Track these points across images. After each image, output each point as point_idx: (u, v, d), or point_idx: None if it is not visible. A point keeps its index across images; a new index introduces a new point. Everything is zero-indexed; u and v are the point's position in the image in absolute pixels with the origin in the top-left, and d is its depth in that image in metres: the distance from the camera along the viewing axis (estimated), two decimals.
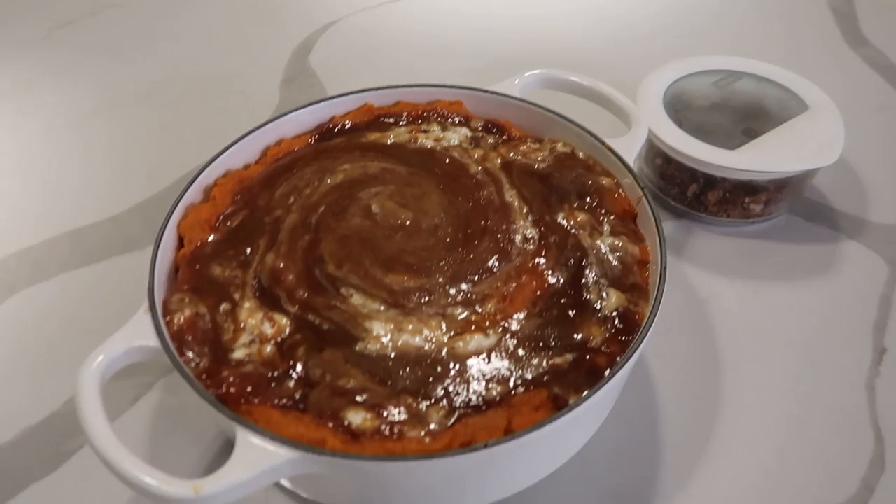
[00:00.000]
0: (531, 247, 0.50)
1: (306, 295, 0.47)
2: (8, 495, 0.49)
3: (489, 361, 0.44)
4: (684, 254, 0.63)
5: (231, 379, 0.43)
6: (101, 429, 0.38)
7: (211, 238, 0.51)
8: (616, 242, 0.50)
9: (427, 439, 0.40)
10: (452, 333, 0.45)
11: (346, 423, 0.41)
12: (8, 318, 0.60)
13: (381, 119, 0.61)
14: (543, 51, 0.86)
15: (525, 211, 0.53)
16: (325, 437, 0.40)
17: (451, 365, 0.44)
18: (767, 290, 0.61)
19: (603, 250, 0.50)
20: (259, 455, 0.38)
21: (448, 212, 0.53)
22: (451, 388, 0.43)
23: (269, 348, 0.45)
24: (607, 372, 0.43)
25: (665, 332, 0.55)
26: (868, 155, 0.71)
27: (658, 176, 0.66)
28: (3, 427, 0.52)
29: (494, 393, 0.42)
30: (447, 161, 0.57)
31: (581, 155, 0.57)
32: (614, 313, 0.46)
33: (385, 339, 0.45)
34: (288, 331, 0.46)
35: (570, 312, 0.46)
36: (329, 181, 0.55)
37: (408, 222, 0.52)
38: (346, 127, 0.60)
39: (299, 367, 0.44)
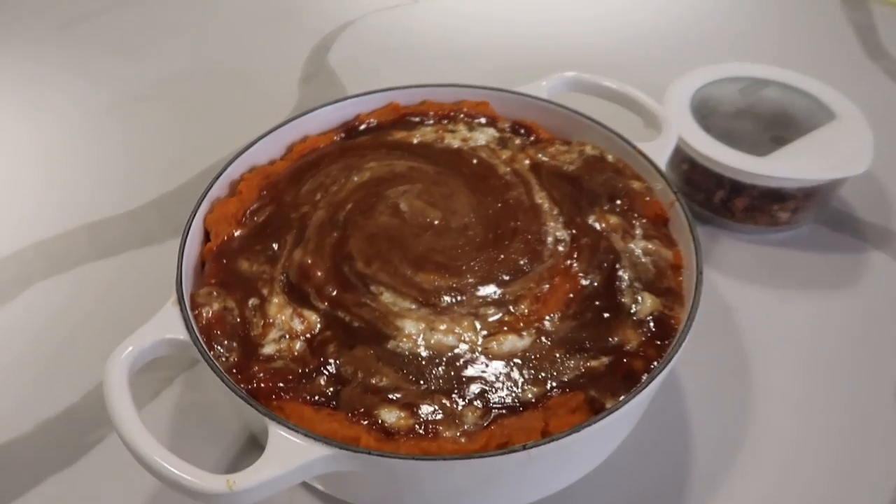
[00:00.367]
0: (563, 248, 0.50)
1: (335, 292, 0.47)
2: (27, 487, 0.48)
3: (524, 363, 0.43)
4: (710, 260, 0.63)
5: (261, 374, 0.42)
6: (131, 421, 0.38)
7: (237, 233, 0.51)
8: (649, 246, 0.50)
9: (463, 439, 0.39)
10: (486, 333, 0.44)
11: (379, 420, 0.40)
12: (25, 309, 0.59)
13: (407, 118, 0.61)
14: (561, 55, 0.85)
15: (555, 213, 0.52)
16: (359, 435, 0.39)
17: (486, 365, 0.43)
18: (794, 298, 0.60)
19: (636, 253, 0.49)
20: (293, 451, 0.37)
21: (477, 212, 0.52)
22: (485, 389, 0.42)
23: (298, 344, 0.44)
24: (644, 376, 0.42)
25: (693, 338, 0.54)
26: (892, 165, 0.70)
27: (684, 181, 0.65)
28: (21, 419, 0.51)
29: (530, 395, 0.42)
30: (475, 161, 0.56)
31: (610, 158, 0.56)
32: (649, 317, 0.45)
33: (417, 338, 0.44)
34: (318, 327, 0.45)
35: (605, 315, 0.46)
36: (356, 179, 0.54)
37: (436, 221, 0.51)
38: (372, 125, 0.60)
39: (330, 364, 0.43)
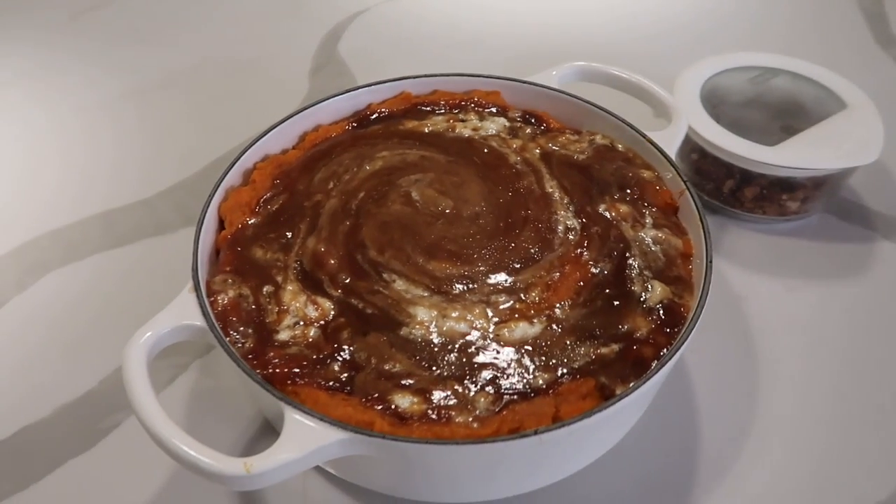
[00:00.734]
0: (573, 237, 0.50)
1: (349, 279, 0.47)
2: (46, 470, 0.49)
3: (535, 349, 0.44)
4: (719, 250, 0.63)
5: (276, 360, 0.43)
6: (151, 405, 0.38)
7: (251, 221, 0.51)
8: (659, 235, 0.50)
9: (475, 424, 0.40)
10: (497, 321, 0.45)
11: (393, 406, 0.41)
12: (42, 296, 0.60)
13: (418, 107, 0.61)
14: (571, 45, 0.85)
15: (566, 201, 0.53)
16: (374, 420, 0.40)
17: (497, 352, 0.44)
18: (802, 287, 0.61)
19: (646, 242, 0.50)
20: (308, 435, 0.38)
21: (488, 201, 0.53)
22: (497, 375, 0.43)
23: (313, 331, 0.45)
24: (654, 363, 0.43)
25: (702, 326, 0.55)
26: None
27: (693, 171, 0.66)
28: (40, 403, 0.52)
29: (541, 381, 0.42)
30: (486, 150, 0.57)
31: (620, 147, 0.56)
32: (659, 305, 0.46)
33: (430, 325, 0.45)
34: (332, 314, 0.46)
35: (615, 303, 0.46)
36: (368, 167, 0.55)
37: (448, 210, 0.52)
38: (383, 114, 0.60)
39: (344, 350, 0.44)
